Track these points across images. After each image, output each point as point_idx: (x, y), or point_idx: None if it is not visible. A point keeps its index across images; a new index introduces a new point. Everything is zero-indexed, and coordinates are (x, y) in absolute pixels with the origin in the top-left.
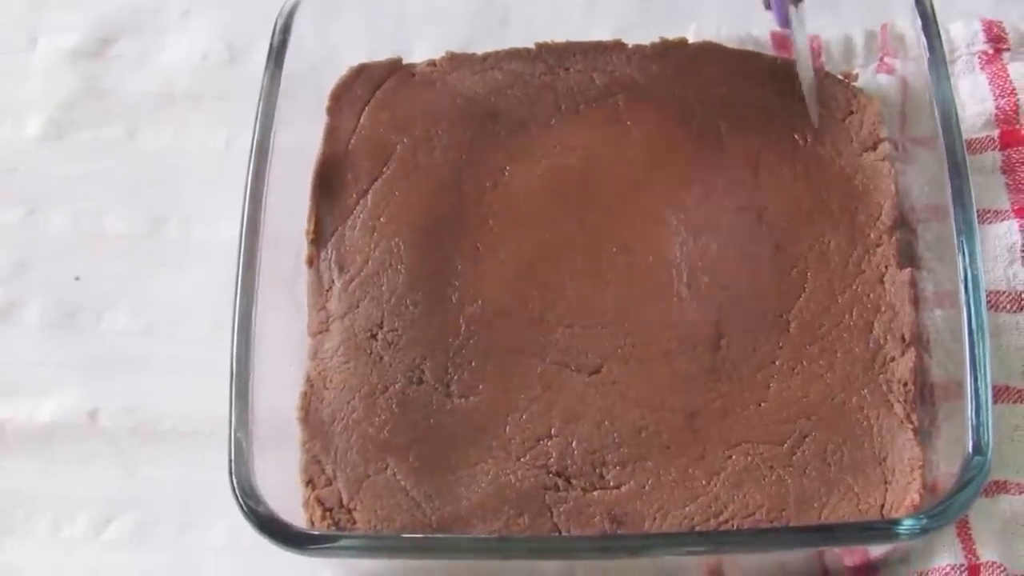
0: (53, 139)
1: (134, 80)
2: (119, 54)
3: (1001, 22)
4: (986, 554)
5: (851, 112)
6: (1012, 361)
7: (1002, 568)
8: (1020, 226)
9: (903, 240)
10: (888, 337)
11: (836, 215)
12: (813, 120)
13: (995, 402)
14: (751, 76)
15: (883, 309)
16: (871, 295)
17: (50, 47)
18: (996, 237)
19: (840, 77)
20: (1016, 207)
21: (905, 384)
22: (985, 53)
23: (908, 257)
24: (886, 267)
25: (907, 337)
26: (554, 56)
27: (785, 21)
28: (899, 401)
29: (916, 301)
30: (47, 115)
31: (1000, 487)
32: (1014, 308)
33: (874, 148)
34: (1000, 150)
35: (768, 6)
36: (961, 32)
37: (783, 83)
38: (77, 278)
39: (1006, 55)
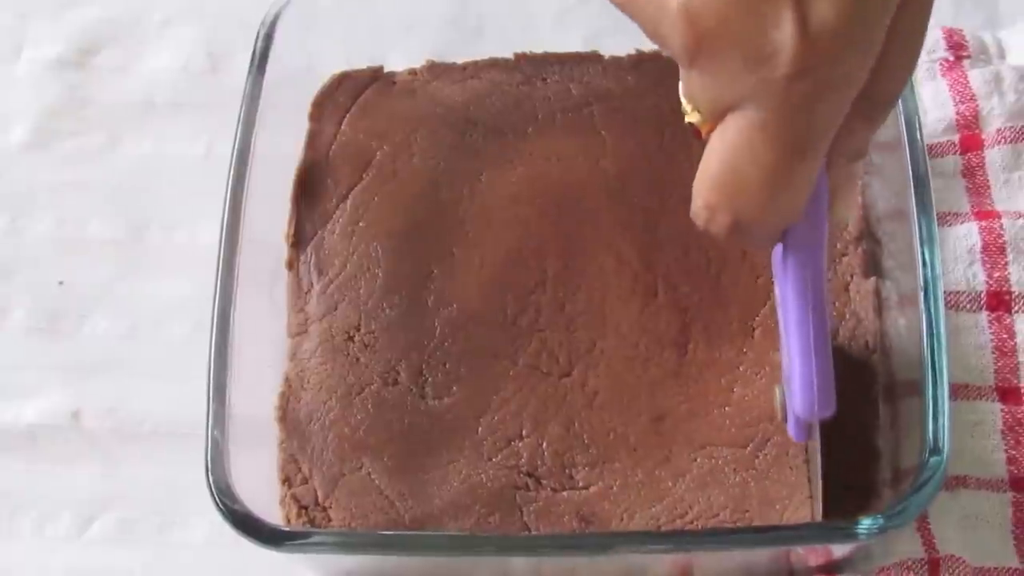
0: (37, 147)
1: (116, 89)
2: (101, 64)
3: (961, 30)
4: (946, 548)
5: None
6: (971, 359)
7: (961, 561)
8: (979, 228)
9: (868, 250)
10: (852, 344)
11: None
12: (816, 514)
13: (955, 399)
14: None
15: (847, 317)
16: (836, 303)
17: (34, 57)
18: (956, 239)
19: None
20: (976, 210)
21: (868, 390)
22: (946, 60)
23: (873, 266)
24: (851, 276)
25: (871, 344)
26: (532, 66)
27: (802, 436)
28: (861, 406)
29: (880, 309)
30: (31, 124)
31: (960, 481)
32: (973, 308)
33: None
34: (960, 154)
35: (784, 419)
36: None
37: None
38: (60, 283)
39: (966, 62)
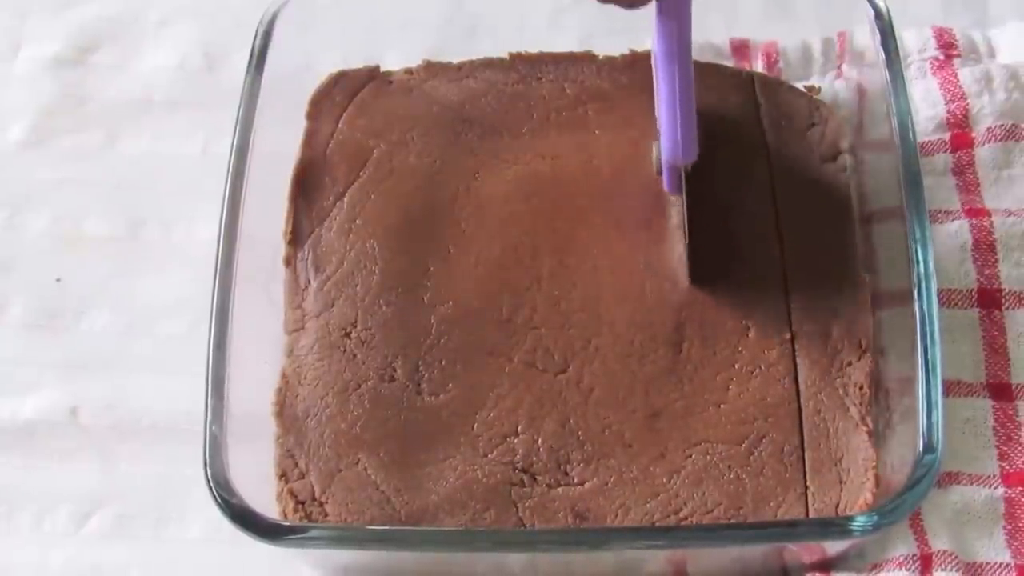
0: (35, 145)
1: (113, 87)
2: (99, 63)
3: (951, 29)
4: (938, 544)
5: (813, 124)
6: (963, 356)
7: (953, 556)
8: (970, 226)
9: (860, 247)
10: (845, 342)
11: (796, 224)
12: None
13: (947, 395)
14: (715, 88)
15: (841, 315)
16: (829, 301)
17: (32, 55)
18: (948, 236)
19: (803, 89)
20: (966, 207)
21: (861, 388)
22: (936, 59)
23: (865, 264)
24: (844, 274)
25: (863, 343)
26: (527, 66)
27: (674, 187)
28: (855, 404)
29: (873, 307)
30: (29, 121)
31: (952, 478)
32: (965, 304)
33: (834, 159)
34: (951, 152)
35: (659, 171)
36: (913, 39)
37: (745, 95)
38: (58, 279)
39: (956, 61)
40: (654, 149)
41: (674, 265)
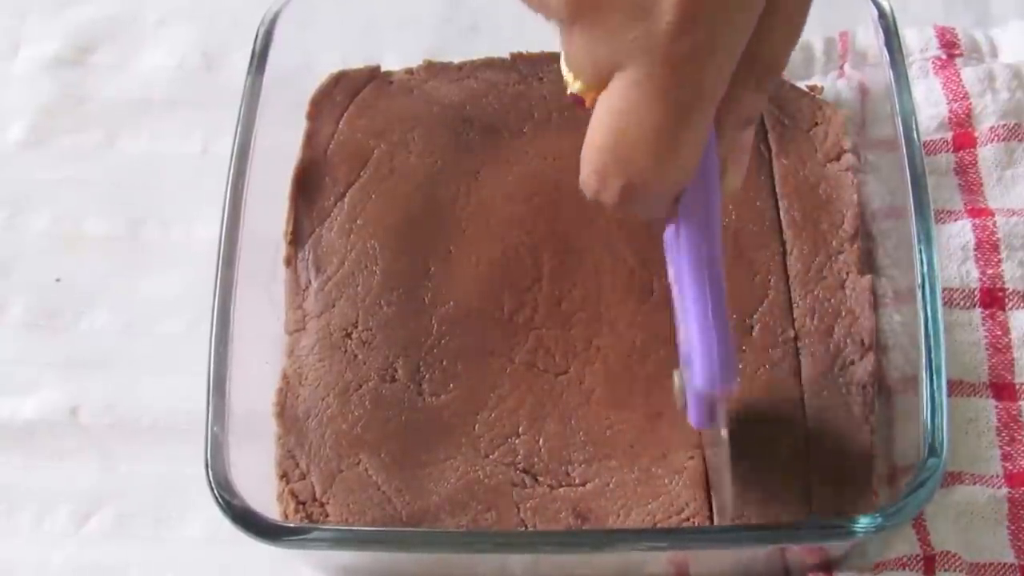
0: (34, 144)
1: (112, 87)
2: (98, 62)
3: (954, 28)
4: (941, 544)
5: (816, 124)
6: (965, 356)
7: (957, 557)
8: (973, 226)
9: (863, 247)
10: (848, 341)
11: (799, 224)
12: (726, 511)
13: (950, 395)
14: None
15: (843, 314)
16: (832, 300)
17: (31, 55)
18: (950, 236)
19: (805, 89)
20: (969, 207)
21: (864, 387)
22: (939, 59)
23: (868, 263)
24: (847, 273)
25: (866, 341)
26: (528, 66)
27: (703, 421)
28: (857, 403)
29: (875, 306)
30: (28, 121)
31: (955, 478)
32: (967, 304)
33: (838, 159)
34: (953, 152)
35: (684, 406)
36: (915, 39)
37: None
38: (58, 279)
39: (959, 60)
40: (676, 380)
41: None
